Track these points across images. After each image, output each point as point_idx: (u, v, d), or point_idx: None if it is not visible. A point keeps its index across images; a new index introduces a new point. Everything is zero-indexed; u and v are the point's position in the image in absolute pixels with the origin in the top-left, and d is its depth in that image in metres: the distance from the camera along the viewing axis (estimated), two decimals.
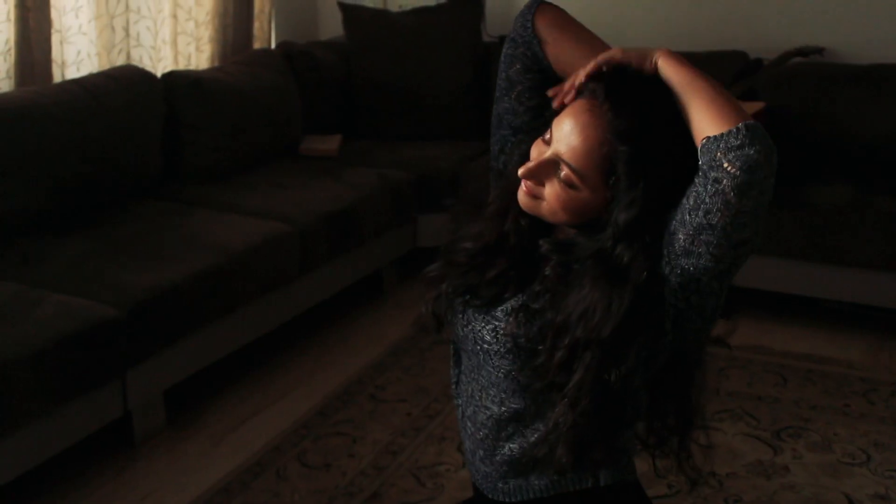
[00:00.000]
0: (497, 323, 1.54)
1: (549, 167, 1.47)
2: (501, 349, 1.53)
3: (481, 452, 1.65)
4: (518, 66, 1.61)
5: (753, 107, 4.14)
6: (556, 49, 1.57)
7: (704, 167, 1.33)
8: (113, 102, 3.70)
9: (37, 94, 3.52)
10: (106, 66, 3.99)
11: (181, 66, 4.38)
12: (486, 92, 4.72)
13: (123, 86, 3.78)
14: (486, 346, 1.55)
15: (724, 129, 1.32)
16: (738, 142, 1.30)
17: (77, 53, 3.95)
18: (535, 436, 1.56)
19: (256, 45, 4.81)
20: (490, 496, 1.67)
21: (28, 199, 3.39)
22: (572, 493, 1.61)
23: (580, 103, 1.44)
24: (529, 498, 1.63)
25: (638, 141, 1.39)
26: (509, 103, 1.64)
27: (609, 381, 1.41)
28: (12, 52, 3.63)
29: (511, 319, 1.52)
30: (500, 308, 1.55)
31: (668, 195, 1.40)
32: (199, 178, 4.03)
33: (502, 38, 4.90)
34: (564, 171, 1.45)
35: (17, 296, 2.90)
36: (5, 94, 3.48)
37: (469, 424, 1.66)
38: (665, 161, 1.41)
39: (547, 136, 1.48)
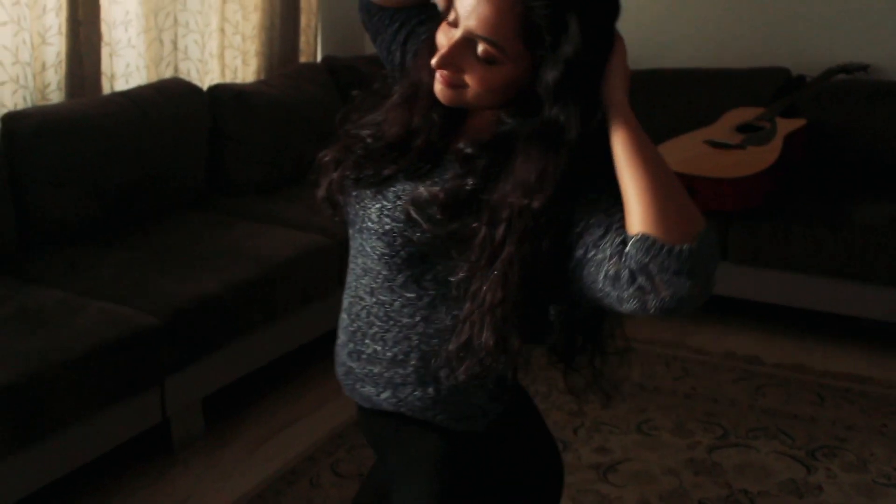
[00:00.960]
0: (385, 203, 1.45)
1: (464, 48, 1.33)
2: (380, 230, 1.45)
3: (351, 346, 1.56)
4: (374, 29, 1.61)
5: (794, 123, 4.14)
6: None
7: (632, 263, 1.19)
8: (159, 115, 3.77)
9: (86, 105, 3.60)
10: (154, 78, 4.07)
11: (228, 80, 4.45)
12: None
13: (170, 98, 3.85)
14: (369, 224, 1.48)
15: (666, 236, 1.19)
16: (678, 267, 1.17)
17: (126, 66, 4.03)
18: (398, 344, 1.49)
19: (302, 58, 4.87)
20: (348, 394, 1.60)
21: (76, 208, 3.47)
22: (416, 419, 1.53)
23: None
24: (380, 409, 1.56)
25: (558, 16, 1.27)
26: (383, 44, 1.61)
27: (540, 252, 1.28)
28: (63, 64, 3.72)
29: (400, 204, 1.43)
30: (391, 189, 1.46)
31: (593, 50, 1.29)
32: (242, 190, 4.10)
33: None
34: (482, 47, 1.31)
35: (62, 302, 2.97)
36: (56, 106, 3.56)
37: (345, 316, 1.58)
38: (584, 9, 1.28)
39: (451, 17, 1.34)
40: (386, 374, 1.51)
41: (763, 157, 3.94)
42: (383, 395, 1.52)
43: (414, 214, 1.39)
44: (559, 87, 1.29)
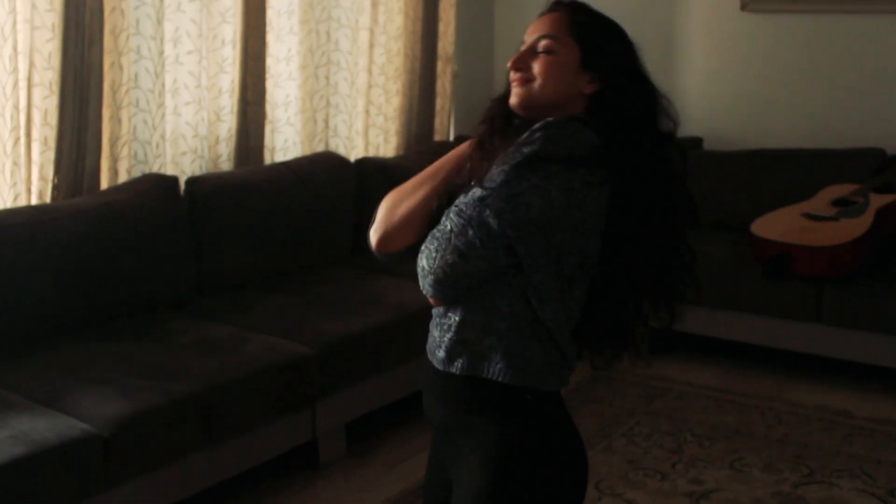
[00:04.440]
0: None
1: (530, 54, 1.84)
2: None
3: (435, 318, 1.92)
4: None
5: (887, 198, 4.47)
6: (398, 229, 1.90)
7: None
8: (313, 182, 4.36)
9: (253, 172, 4.21)
10: (307, 152, 4.68)
11: (371, 154, 5.03)
12: None
13: (322, 168, 4.44)
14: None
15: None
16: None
17: (284, 141, 4.65)
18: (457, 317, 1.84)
19: (437, 137, 5.43)
20: (430, 360, 1.94)
21: (244, 258, 4.06)
22: (483, 380, 1.83)
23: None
24: (453, 373, 1.86)
25: (591, 14, 1.87)
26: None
27: None
28: (233, 138, 4.34)
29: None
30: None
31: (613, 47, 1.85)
32: None
33: None
34: (542, 43, 1.84)
35: (231, 335, 3.53)
36: (229, 172, 4.18)
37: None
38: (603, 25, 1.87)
39: (520, 49, 1.88)
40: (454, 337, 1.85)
41: (854, 227, 4.30)
42: (457, 361, 1.85)
43: None
44: (606, 64, 1.84)
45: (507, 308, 1.80)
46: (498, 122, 1.91)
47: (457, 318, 1.84)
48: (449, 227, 1.77)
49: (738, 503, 3.43)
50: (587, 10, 1.89)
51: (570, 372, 1.88)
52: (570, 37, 1.84)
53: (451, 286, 1.79)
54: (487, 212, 1.72)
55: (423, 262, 1.81)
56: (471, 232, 1.74)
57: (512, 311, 1.80)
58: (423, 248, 1.81)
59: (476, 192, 1.75)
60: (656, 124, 1.87)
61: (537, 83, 1.84)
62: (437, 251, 1.77)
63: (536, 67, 1.84)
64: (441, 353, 1.87)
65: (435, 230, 1.80)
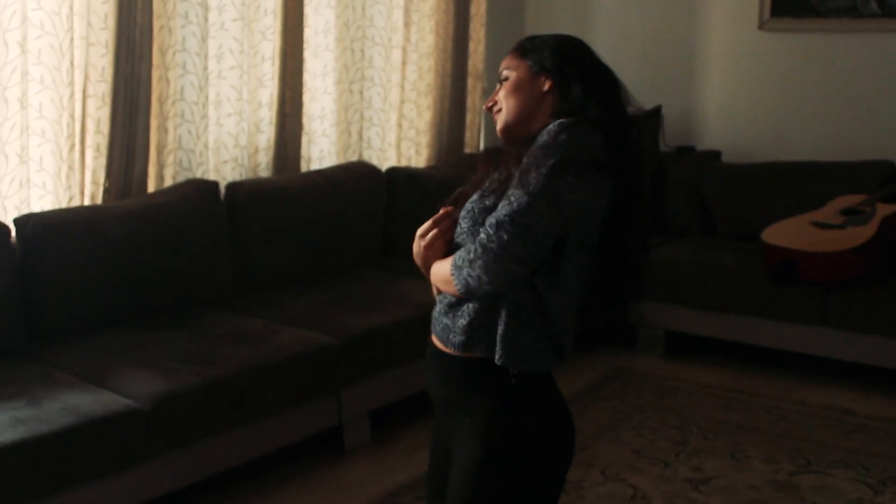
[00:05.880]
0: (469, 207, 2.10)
1: (497, 92, 2.16)
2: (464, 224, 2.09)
3: (444, 308, 2.12)
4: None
5: (893, 207, 4.67)
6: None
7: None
8: (346, 190, 4.65)
9: (289, 180, 4.52)
10: (342, 162, 4.97)
11: (403, 165, 5.32)
12: (660, 196, 5.44)
13: (355, 177, 4.74)
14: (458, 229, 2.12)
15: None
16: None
17: (320, 151, 4.95)
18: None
19: (466, 150, 5.71)
20: (443, 345, 2.12)
21: (279, 259, 4.36)
22: (479, 360, 2.06)
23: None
24: (474, 355, 2.07)
25: (535, 38, 2.17)
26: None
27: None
28: (272, 148, 4.65)
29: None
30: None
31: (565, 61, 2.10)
32: (410, 255, 4.89)
33: (679, 149, 5.64)
34: (502, 75, 2.16)
35: (265, 327, 3.82)
36: (264, 179, 4.50)
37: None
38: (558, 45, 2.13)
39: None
40: (448, 318, 2.09)
41: (860, 235, 4.51)
42: (450, 337, 2.09)
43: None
44: (552, 63, 2.11)
45: (511, 297, 2.02)
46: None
47: (472, 306, 2.06)
48: (505, 237, 1.93)
49: (735, 489, 3.65)
50: (539, 35, 2.20)
51: (559, 357, 2.10)
52: (520, 59, 2.16)
53: (503, 289, 2.01)
54: (538, 216, 1.93)
55: (475, 272, 1.97)
56: (529, 238, 1.94)
57: (516, 299, 2.02)
58: (465, 260, 1.99)
59: (521, 199, 1.93)
60: (624, 108, 2.12)
61: (504, 108, 2.14)
62: (493, 261, 1.95)
63: (500, 96, 2.16)
64: (457, 338, 2.08)
65: (479, 242, 1.96)
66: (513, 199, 1.94)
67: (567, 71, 2.10)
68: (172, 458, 3.25)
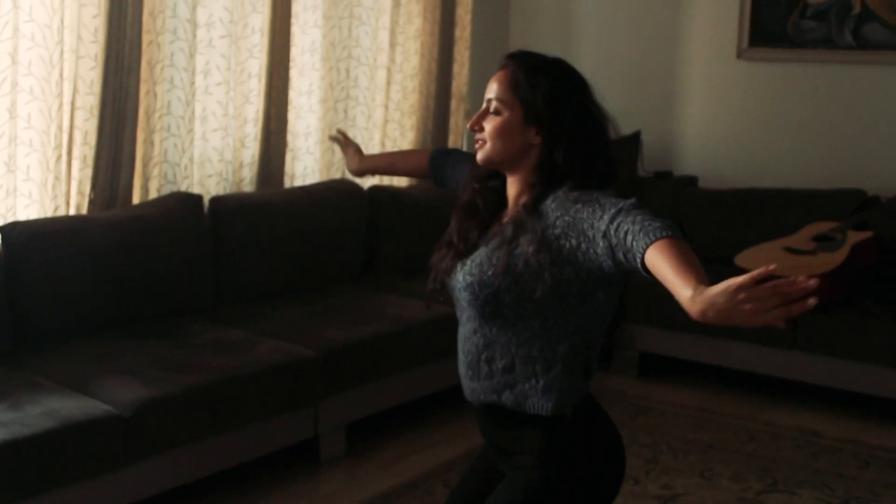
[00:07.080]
0: (465, 267, 2.10)
1: (484, 114, 2.11)
2: (464, 284, 2.09)
3: (470, 372, 2.16)
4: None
5: (863, 235, 4.78)
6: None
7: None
8: (327, 205, 4.73)
9: (271, 195, 4.60)
10: (325, 179, 5.05)
11: (386, 184, 5.39)
12: None
13: (336, 193, 4.82)
14: (458, 284, 2.11)
15: None
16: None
17: (304, 168, 5.03)
18: (504, 359, 2.08)
19: None
20: (476, 405, 2.19)
21: (260, 272, 4.43)
22: (529, 415, 2.09)
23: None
24: (503, 408, 2.12)
25: (533, 69, 2.09)
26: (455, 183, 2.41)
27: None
28: (256, 164, 4.73)
29: (475, 264, 2.08)
30: (470, 258, 2.12)
31: (560, 94, 2.07)
32: (391, 271, 4.98)
33: (657, 174, 5.74)
34: (492, 105, 2.10)
35: (245, 338, 3.89)
36: (247, 193, 4.58)
37: (462, 356, 2.19)
38: (548, 72, 2.09)
39: (482, 108, 2.13)
40: (501, 380, 2.11)
41: (829, 261, 4.61)
42: (504, 396, 2.11)
43: (482, 268, 2.11)
44: (545, 118, 2.07)
45: (563, 348, 2.07)
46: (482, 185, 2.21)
47: (505, 363, 2.09)
48: (639, 212, 1.92)
49: None
50: (531, 63, 2.12)
51: (588, 378, 2.13)
52: (514, 97, 2.09)
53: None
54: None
55: (657, 221, 1.91)
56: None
57: (566, 350, 2.07)
58: (648, 225, 1.90)
59: (621, 202, 1.94)
60: (609, 157, 2.13)
61: (489, 145, 2.11)
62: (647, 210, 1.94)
63: (487, 128, 2.11)
64: (499, 397, 2.11)
65: (624, 222, 1.93)
66: (611, 208, 1.95)
67: (555, 130, 2.08)
68: (152, 463, 3.31)
